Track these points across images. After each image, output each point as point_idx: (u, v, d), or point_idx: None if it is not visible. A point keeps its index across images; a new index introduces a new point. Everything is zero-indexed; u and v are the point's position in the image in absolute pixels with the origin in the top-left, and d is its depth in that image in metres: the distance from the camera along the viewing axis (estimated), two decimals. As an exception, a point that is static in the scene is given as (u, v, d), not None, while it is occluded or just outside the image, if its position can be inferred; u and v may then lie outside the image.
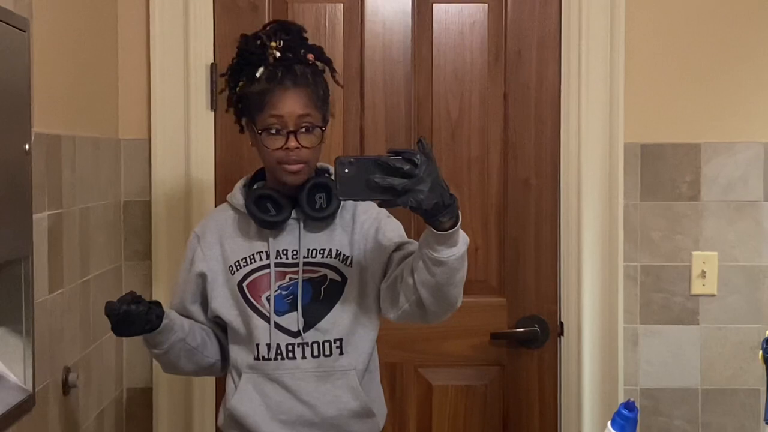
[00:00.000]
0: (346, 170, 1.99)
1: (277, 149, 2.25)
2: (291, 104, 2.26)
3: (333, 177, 2.29)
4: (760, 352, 1.86)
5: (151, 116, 2.99)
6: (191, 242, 2.41)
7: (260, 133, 2.26)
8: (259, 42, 2.32)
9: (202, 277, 2.35)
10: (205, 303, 2.38)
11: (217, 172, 3.02)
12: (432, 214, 2.00)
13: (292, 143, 2.25)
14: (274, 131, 2.25)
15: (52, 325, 2.33)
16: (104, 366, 2.82)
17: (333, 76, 2.38)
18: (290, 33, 2.33)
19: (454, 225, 2.05)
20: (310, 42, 2.36)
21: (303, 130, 2.26)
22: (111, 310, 2.20)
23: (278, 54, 2.29)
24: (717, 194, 3.06)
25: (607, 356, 3.05)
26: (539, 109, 3.10)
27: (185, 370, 2.42)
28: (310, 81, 2.30)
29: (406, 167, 1.97)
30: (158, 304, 2.27)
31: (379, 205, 2.04)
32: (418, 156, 1.97)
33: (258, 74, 2.29)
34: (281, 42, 2.31)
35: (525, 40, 3.09)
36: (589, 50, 3.03)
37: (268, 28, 2.35)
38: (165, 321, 2.26)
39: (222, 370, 2.44)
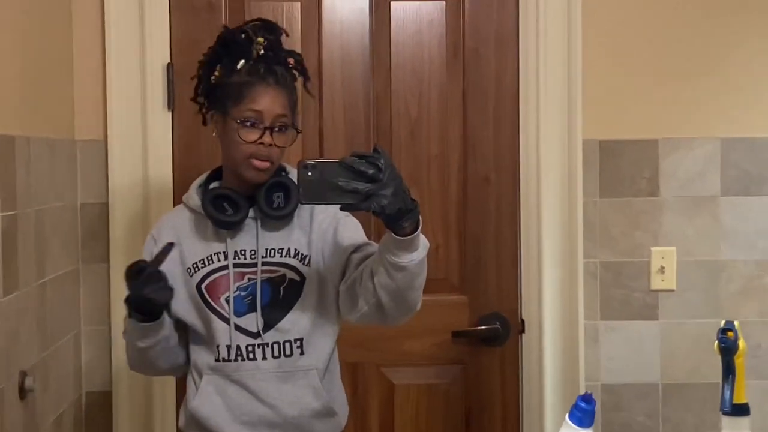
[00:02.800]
0: (309, 174, 1.98)
1: (251, 142, 2.24)
2: (271, 101, 2.26)
3: (290, 176, 2.29)
4: (716, 342, 1.87)
5: (108, 117, 2.97)
6: (147, 244, 2.39)
7: (237, 123, 2.24)
8: (244, 35, 2.32)
9: None
10: None
11: (175, 173, 2.99)
12: (394, 219, 2.01)
13: (267, 139, 2.25)
14: (249, 124, 2.25)
15: (7, 328, 2.30)
16: (62, 369, 2.79)
17: (305, 86, 2.38)
18: (273, 33, 2.34)
19: (415, 230, 2.05)
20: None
21: (278, 129, 2.26)
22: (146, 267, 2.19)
23: (263, 51, 2.30)
24: (675, 190, 3.08)
25: (568, 353, 3.06)
26: (498, 107, 3.10)
27: (158, 369, 2.40)
28: (288, 84, 2.32)
29: (370, 171, 1.97)
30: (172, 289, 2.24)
31: (341, 209, 2.04)
32: (382, 160, 1.97)
33: (239, 66, 2.29)
34: (265, 40, 2.31)
35: (483, 38, 3.09)
36: (547, 47, 3.03)
37: (253, 23, 2.35)
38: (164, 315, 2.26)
39: (184, 370, 2.42)
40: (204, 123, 2.39)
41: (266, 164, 2.26)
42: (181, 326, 2.36)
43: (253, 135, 2.24)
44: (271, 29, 2.34)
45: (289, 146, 2.31)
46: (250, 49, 2.30)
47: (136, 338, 2.29)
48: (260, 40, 2.31)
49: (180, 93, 2.89)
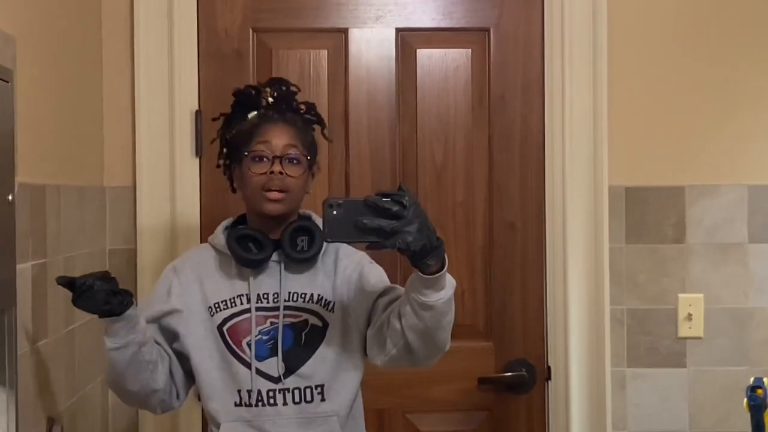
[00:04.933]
0: (334, 212, 1.99)
1: (262, 174, 2.26)
2: (279, 133, 2.30)
3: (316, 222, 2.30)
4: (745, 399, 1.86)
5: (136, 164, 2.99)
6: (166, 274, 2.37)
7: (247, 156, 2.27)
8: (254, 91, 2.39)
9: (176, 312, 2.31)
10: (164, 330, 2.32)
11: (203, 219, 3.01)
12: (420, 257, 2.01)
13: (277, 167, 2.27)
14: (259, 158, 2.28)
15: (37, 375, 2.31)
16: (90, 415, 2.80)
17: (323, 132, 2.41)
18: (286, 87, 2.40)
19: (441, 268, 2.05)
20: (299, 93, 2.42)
21: (288, 159, 2.29)
22: (77, 280, 2.13)
23: (271, 99, 2.35)
24: (702, 236, 3.07)
25: (594, 400, 3.04)
26: (523, 153, 3.11)
27: (128, 389, 2.29)
28: (299, 124, 2.36)
29: (395, 208, 1.98)
30: (130, 294, 2.19)
31: (367, 247, 2.04)
32: (406, 198, 1.98)
33: (250, 116, 2.35)
34: (275, 92, 2.38)
35: (508, 84, 3.11)
36: (573, 94, 3.05)
37: (265, 81, 2.43)
38: (130, 312, 2.17)
39: (160, 405, 2.35)
40: (233, 190, 2.42)
41: (280, 195, 2.28)
42: (177, 356, 2.33)
43: (263, 167, 2.28)
44: (283, 84, 2.40)
45: (303, 176, 2.31)
46: (260, 99, 2.37)
47: (105, 336, 2.20)
48: (268, 90, 2.37)
49: (208, 139, 2.89)
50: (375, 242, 1.99)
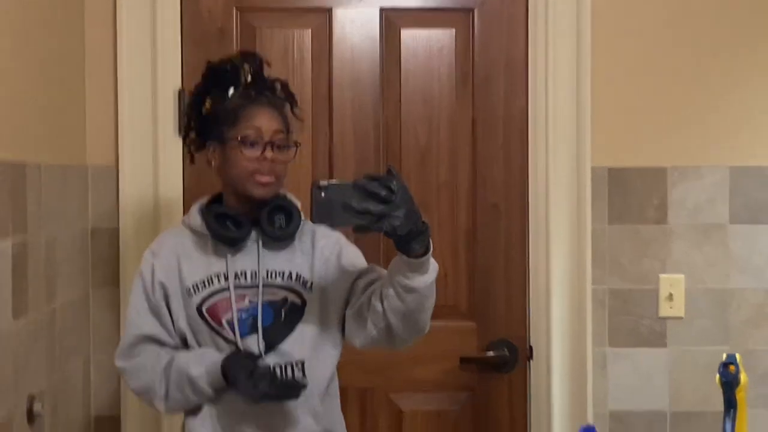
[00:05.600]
0: (323, 194, 2.00)
1: (254, 158, 2.26)
2: (268, 118, 2.30)
3: (293, 201, 2.31)
4: (717, 375, 1.87)
5: (119, 143, 2.99)
6: (146, 259, 2.37)
7: (239, 141, 2.26)
8: (229, 66, 2.36)
9: (163, 287, 2.32)
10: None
11: (186, 198, 3.01)
12: (406, 241, 2.03)
13: (269, 153, 2.27)
14: (250, 142, 2.27)
15: (17, 352, 2.31)
16: (71, 394, 2.80)
17: (293, 110, 2.40)
18: (256, 62, 2.38)
19: (426, 252, 2.07)
20: (280, 67, 2.41)
21: (278, 145, 2.29)
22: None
23: (250, 77, 2.35)
24: (684, 218, 3.08)
25: (576, 379, 3.06)
26: (507, 134, 3.12)
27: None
28: (279, 106, 2.36)
29: (383, 193, 1.99)
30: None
31: (354, 230, 2.05)
32: (394, 182, 1.99)
33: (230, 94, 2.33)
34: (252, 68, 2.36)
35: (492, 65, 3.11)
36: (557, 75, 3.05)
37: (234, 55, 2.40)
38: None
39: None
40: (191, 161, 2.42)
41: (270, 179, 2.28)
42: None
43: (255, 151, 2.27)
44: (253, 58, 2.38)
45: (291, 162, 2.32)
46: (238, 77, 2.35)
47: (210, 388, 2.26)
48: (246, 67, 2.36)
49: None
50: (362, 225, 2.00)
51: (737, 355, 1.85)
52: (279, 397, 2.19)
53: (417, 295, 2.12)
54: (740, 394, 1.86)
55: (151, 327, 2.32)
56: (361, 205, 1.98)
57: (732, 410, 1.87)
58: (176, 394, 2.28)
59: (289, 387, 2.20)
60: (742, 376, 1.83)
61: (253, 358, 2.24)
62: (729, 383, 1.85)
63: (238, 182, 2.30)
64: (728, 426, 1.88)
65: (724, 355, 1.86)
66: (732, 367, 1.83)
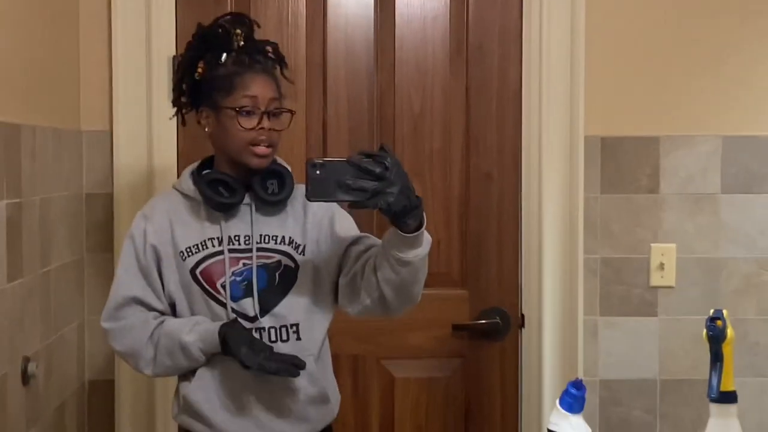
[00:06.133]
0: (317, 171, 2.02)
1: (251, 129, 2.26)
2: (263, 87, 2.29)
3: (284, 165, 2.32)
4: (704, 330, 1.90)
5: (113, 108, 2.99)
6: (137, 223, 2.36)
7: (235, 111, 2.26)
8: (221, 30, 2.34)
9: (155, 251, 2.32)
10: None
11: (180, 163, 3.01)
12: (400, 216, 2.05)
13: (266, 123, 2.27)
14: (246, 111, 2.27)
15: (11, 314, 2.32)
16: (65, 357, 2.82)
17: (283, 73, 2.40)
18: (246, 25, 2.37)
19: (419, 227, 2.09)
20: (274, 34, 2.39)
21: (274, 115, 2.29)
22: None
23: (242, 41, 2.33)
24: (676, 187, 3.09)
25: (567, 348, 3.08)
26: (501, 103, 3.12)
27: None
28: (272, 71, 2.36)
29: (377, 170, 2.00)
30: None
31: (349, 206, 2.07)
32: (388, 159, 2.01)
33: (223, 59, 2.31)
34: (244, 33, 2.34)
35: (486, 34, 3.11)
36: (550, 44, 3.05)
37: (225, 17, 2.38)
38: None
39: None
40: (183, 123, 2.42)
41: (267, 149, 2.28)
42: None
43: (251, 121, 2.27)
44: (243, 21, 2.37)
45: (285, 129, 2.33)
46: (231, 41, 2.33)
47: (202, 353, 2.27)
48: (238, 31, 2.34)
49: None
50: (357, 202, 2.02)
51: (724, 311, 1.87)
52: (276, 372, 2.21)
53: (411, 268, 2.15)
54: (727, 348, 1.88)
55: (140, 289, 2.32)
56: (356, 182, 2.00)
57: (719, 363, 1.90)
58: (165, 359, 2.29)
59: (287, 364, 2.22)
60: (729, 331, 1.85)
61: (249, 330, 2.25)
62: (716, 337, 1.87)
63: (234, 151, 2.30)
64: (715, 379, 1.91)
65: (711, 311, 1.88)
66: (719, 322, 1.86)
